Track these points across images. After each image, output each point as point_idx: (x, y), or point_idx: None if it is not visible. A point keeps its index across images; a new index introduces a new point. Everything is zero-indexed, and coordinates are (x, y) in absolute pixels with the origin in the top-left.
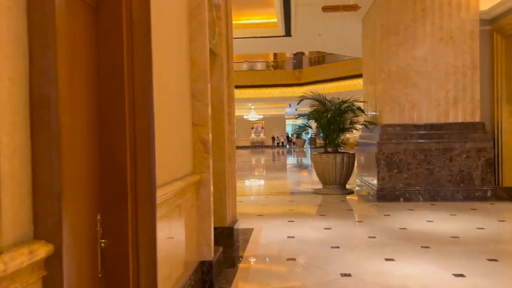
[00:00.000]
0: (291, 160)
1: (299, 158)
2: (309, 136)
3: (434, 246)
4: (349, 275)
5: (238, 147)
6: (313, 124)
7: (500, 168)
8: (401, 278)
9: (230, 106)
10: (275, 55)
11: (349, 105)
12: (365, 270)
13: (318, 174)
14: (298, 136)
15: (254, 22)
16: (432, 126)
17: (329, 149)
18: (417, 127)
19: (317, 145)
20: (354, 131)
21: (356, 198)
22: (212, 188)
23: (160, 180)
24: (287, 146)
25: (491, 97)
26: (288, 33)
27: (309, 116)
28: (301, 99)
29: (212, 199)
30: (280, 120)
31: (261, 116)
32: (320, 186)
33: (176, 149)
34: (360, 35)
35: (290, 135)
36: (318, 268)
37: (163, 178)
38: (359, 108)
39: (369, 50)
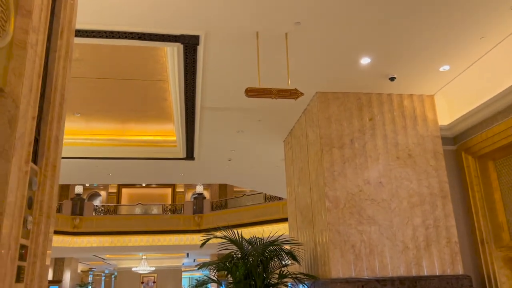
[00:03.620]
0: None
1: None
2: None
3: None
4: None
5: None
6: (211, 275)
7: None
8: None
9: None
10: (173, 198)
11: (276, 250)
12: None
13: None
14: None
15: (152, 139)
16: (402, 282)
17: None
18: (381, 283)
19: None
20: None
21: None
22: None
23: None
24: None
25: (472, 238)
26: (190, 155)
27: (217, 265)
28: (207, 238)
29: None
30: (175, 273)
31: (153, 268)
32: None
33: None
34: (279, 168)
35: None
36: None
37: None
38: (290, 254)
39: (299, 175)
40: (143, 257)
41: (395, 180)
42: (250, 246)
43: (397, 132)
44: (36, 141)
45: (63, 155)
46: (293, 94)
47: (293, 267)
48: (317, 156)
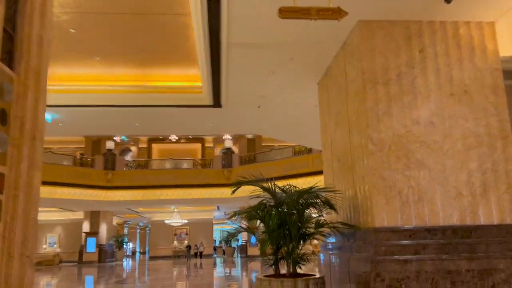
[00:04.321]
0: (220, 275)
1: (229, 270)
2: (239, 243)
3: None
4: None
5: (158, 257)
6: (242, 225)
7: None
8: None
9: None
10: (202, 153)
11: (311, 197)
12: None
13: None
14: (228, 243)
15: (177, 85)
16: (455, 231)
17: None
18: (432, 232)
19: (249, 254)
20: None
21: None
22: None
23: None
24: (214, 255)
25: None
26: (217, 102)
27: (249, 214)
28: (239, 184)
29: None
30: (207, 226)
31: (186, 221)
32: None
33: None
34: (313, 115)
35: (218, 243)
36: None
37: None
38: (326, 202)
39: (336, 119)
40: (175, 210)
41: (448, 120)
42: (284, 194)
43: (451, 66)
44: (11, 38)
45: (84, 103)
46: (336, 13)
47: (330, 217)
48: (358, 95)
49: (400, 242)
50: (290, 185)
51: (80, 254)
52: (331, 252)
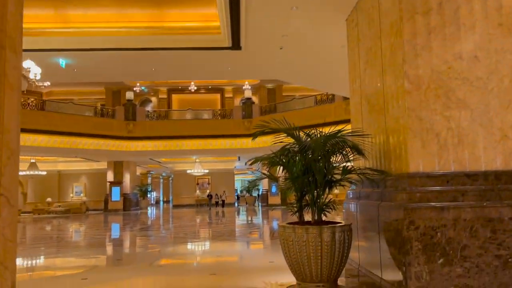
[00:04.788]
0: (241, 222)
1: (250, 218)
2: (260, 192)
3: None
4: None
5: (181, 206)
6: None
7: None
8: None
9: None
10: (222, 104)
11: (338, 142)
12: None
13: (290, 262)
14: (249, 192)
15: (195, 25)
16: (498, 177)
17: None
18: (472, 178)
19: (270, 203)
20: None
21: None
22: None
23: None
24: (236, 204)
25: None
26: (236, 43)
27: (271, 160)
28: (261, 130)
29: None
30: (228, 175)
31: (207, 171)
32: (291, 278)
33: None
34: (338, 58)
35: (239, 192)
36: None
37: None
38: (355, 147)
39: (366, 58)
40: (197, 160)
41: (495, 54)
42: (309, 139)
43: None
44: None
45: (96, 47)
46: None
47: (357, 163)
48: (393, 28)
49: (437, 188)
50: (316, 129)
51: (106, 202)
52: (357, 200)
